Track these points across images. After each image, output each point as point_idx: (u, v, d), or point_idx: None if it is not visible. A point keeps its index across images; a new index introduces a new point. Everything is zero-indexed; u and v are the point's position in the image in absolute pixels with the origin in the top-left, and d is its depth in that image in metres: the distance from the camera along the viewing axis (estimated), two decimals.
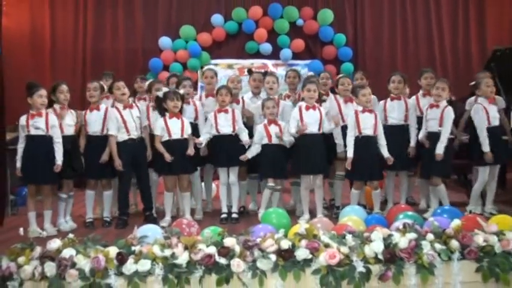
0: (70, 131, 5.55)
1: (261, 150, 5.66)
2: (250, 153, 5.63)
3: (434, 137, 5.57)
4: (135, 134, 5.65)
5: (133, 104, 5.80)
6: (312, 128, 5.50)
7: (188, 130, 5.61)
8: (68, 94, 5.58)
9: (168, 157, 5.46)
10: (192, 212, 5.85)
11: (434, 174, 5.65)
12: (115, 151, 5.57)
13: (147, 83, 6.22)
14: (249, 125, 5.92)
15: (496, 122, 5.73)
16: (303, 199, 5.67)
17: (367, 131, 5.52)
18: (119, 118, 5.60)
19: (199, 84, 9.40)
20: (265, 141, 5.63)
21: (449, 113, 5.56)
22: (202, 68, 9.62)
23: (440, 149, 5.49)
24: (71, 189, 5.72)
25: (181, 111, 5.67)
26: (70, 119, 5.59)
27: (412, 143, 5.83)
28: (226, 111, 5.73)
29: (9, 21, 8.49)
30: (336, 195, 6.11)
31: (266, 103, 5.67)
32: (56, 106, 5.51)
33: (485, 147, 5.57)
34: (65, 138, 5.42)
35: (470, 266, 3.69)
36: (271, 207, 5.40)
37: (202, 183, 6.36)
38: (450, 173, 6.09)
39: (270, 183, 5.68)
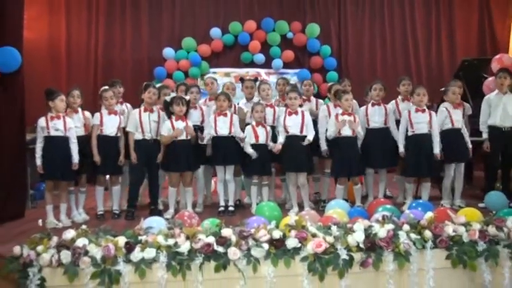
0: (77, 132, 5.46)
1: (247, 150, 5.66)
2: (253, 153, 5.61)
3: (424, 138, 5.58)
4: (148, 135, 5.62)
5: (154, 109, 5.72)
6: (294, 131, 5.51)
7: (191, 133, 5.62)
8: (78, 99, 5.54)
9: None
10: (193, 205, 5.84)
11: (431, 175, 5.68)
12: (132, 146, 5.60)
13: (157, 86, 6.19)
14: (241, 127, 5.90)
15: (458, 125, 5.75)
16: (291, 194, 5.67)
17: (347, 131, 5.54)
18: (137, 119, 5.61)
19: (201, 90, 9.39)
20: (253, 141, 5.64)
21: (435, 116, 5.63)
22: (202, 76, 9.67)
23: (437, 148, 5.53)
24: (84, 184, 5.71)
25: (186, 115, 5.67)
26: (77, 121, 5.54)
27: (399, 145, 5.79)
28: (225, 115, 5.72)
29: (30, 34, 8.46)
30: (323, 190, 6.13)
31: (255, 107, 5.69)
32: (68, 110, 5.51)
33: (436, 148, 5.58)
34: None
35: (441, 254, 3.72)
36: (263, 201, 5.41)
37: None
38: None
39: (254, 179, 5.71)
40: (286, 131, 5.54)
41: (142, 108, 5.69)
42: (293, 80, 9.12)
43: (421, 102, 5.60)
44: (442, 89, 6.10)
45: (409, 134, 5.66)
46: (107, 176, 5.86)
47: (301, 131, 5.53)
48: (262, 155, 5.63)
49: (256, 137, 5.63)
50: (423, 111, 5.61)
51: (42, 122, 5.21)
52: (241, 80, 6.70)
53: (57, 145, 5.21)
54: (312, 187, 6.31)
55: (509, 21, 10.23)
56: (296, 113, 5.57)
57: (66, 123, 5.27)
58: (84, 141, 5.52)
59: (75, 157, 5.27)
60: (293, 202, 5.64)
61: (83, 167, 5.46)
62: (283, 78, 6.61)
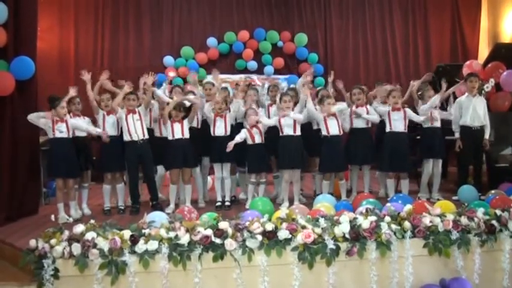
0: (82, 133, 5.53)
1: (246, 150, 5.62)
2: (235, 141, 5.47)
3: (400, 136, 5.60)
4: (135, 136, 5.49)
5: (136, 110, 5.54)
6: (288, 131, 5.49)
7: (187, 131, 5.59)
8: (79, 105, 5.62)
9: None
10: (194, 201, 5.82)
11: (404, 171, 5.69)
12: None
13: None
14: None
15: (437, 124, 5.79)
16: (284, 189, 5.66)
17: (334, 131, 5.55)
18: (125, 124, 5.49)
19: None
20: (250, 141, 5.62)
21: (411, 111, 5.68)
22: (199, 82, 9.64)
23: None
24: (87, 180, 5.75)
25: (185, 118, 5.63)
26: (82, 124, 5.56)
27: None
28: (222, 117, 5.72)
29: (42, 44, 8.42)
30: (317, 186, 6.11)
31: (248, 112, 5.67)
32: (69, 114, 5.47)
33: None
34: (77, 139, 5.44)
35: (419, 243, 3.75)
36: (257, 197, 5.40)
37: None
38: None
39: (252, 179, 5.70)
40: (281, 131, 5.51)
41: (126, 111, 5.53)
42: (283, 84, 9.16)
43: (396, 104, 5.63)
44: (419, 92, 6.13)
45: (387, 130, 5.67)
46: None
47: (294, 131, 5.51)
48: (260, 153, 5.62)
49: (252, 138, 5.60)
50: (399, 109, 5.64)
51: (49, 122, 5.23)
52: (237, 85, 6.71)
53: (61, 146, 5.22)
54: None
55: (478, 30, 10.33)
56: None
57: (69, 125, 5.26)
58: (86, 142, 5.57)
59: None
60: (284, 197, 5.64)
61: (86, 165, 5.51)
62: (274, 85, 6.63)
